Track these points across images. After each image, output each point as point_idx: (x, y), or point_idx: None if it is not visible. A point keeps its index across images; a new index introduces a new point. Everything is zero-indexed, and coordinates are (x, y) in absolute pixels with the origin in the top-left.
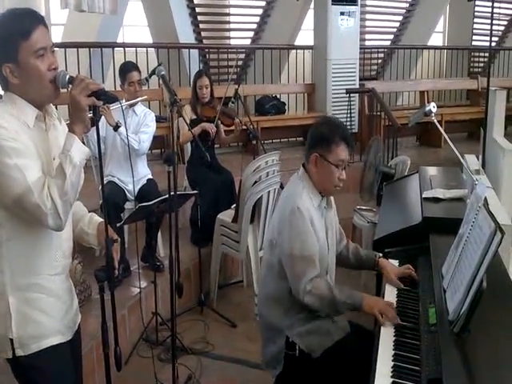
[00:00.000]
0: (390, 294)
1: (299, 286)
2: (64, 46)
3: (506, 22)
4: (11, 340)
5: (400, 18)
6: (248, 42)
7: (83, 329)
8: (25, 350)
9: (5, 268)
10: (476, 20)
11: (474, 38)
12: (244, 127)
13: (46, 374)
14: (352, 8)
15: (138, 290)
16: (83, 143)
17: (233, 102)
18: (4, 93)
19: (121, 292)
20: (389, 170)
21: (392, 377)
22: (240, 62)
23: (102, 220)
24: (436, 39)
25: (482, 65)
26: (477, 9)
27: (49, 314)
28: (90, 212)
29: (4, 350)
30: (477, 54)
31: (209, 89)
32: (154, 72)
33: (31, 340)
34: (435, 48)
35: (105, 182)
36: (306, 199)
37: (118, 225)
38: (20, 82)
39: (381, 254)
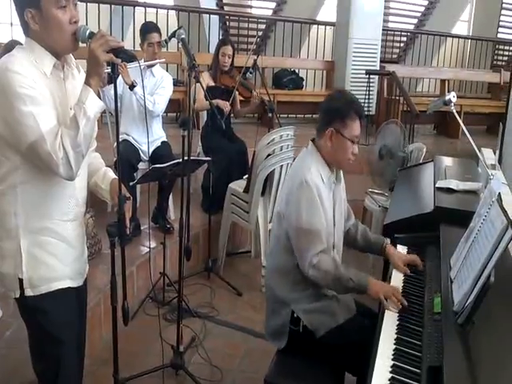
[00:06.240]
0: (397, 279)
1: (305, 259)
2: (85, 0)
3: None
4: (21, 280)
5: (426, 2)
6: (269, 12)
7: (91, 282)
8: (34, 290)
9: (19, 211)
10: (503, 12)
11: (500, 30)
12: (260, 99)
13: (51, 318)
14: None
15: (148, 249)
16: (98, 97)
17: (251, 73)
18: (25, 38)
19: (130, 250)
20: (401, 154)
21: (393, 359)
22: (260, 33)
23: (115, 177)
24: (461, 28)
25: (506, 58)
26: (505, 0)
27: (59, 257)
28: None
29: (12, 290)
30: (501, 46)
31: (231, 58)
32: (174, 35)
33: (41, 281)
34: (459, 37)
35: (120, 140)
36: (314, 173)
37: (130, 184)
38: (40, 30)
39: (389, 241)
